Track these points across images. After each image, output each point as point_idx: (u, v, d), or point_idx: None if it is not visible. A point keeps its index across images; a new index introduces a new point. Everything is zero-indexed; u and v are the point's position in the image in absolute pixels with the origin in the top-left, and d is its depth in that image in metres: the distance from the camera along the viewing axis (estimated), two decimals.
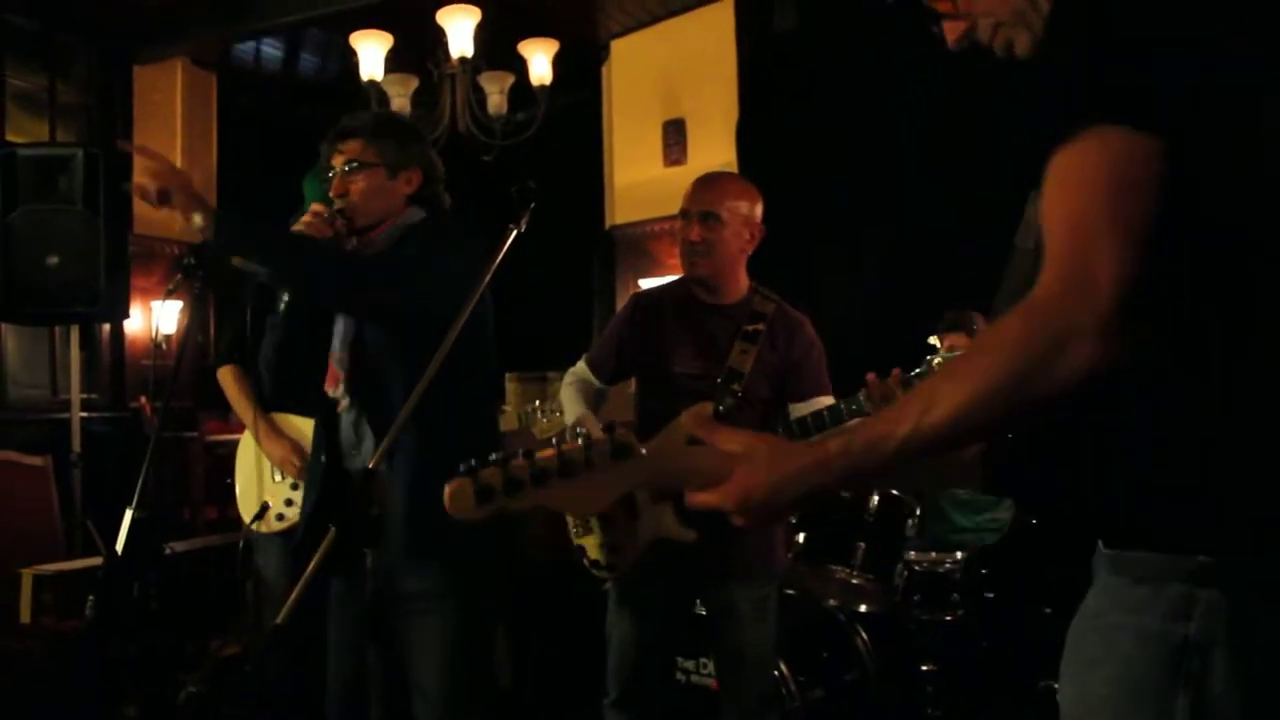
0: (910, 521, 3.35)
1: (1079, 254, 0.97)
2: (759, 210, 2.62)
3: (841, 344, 2.91)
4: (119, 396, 6.80)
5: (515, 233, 1.96)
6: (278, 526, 3.08)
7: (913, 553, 3.30)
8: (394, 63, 5.61)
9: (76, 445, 4.78)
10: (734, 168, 5.80)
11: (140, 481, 2.19)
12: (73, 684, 3.27)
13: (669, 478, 1.15)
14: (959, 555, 3.26)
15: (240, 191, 7.16)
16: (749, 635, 2.58)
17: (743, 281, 2.66)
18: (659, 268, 6.35)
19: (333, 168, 2.21)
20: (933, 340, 2.33)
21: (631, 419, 2.75)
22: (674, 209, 2.66)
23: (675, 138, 6.57)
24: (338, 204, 2.19)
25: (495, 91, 5.53)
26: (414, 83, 5.66)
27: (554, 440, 1.07)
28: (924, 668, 3.11)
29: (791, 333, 2.62)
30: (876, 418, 1.06)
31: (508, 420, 4.22)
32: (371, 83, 5.50)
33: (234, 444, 3.32)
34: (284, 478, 3.09)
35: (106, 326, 6.65)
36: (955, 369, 1.03)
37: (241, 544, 3.29)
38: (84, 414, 5.20)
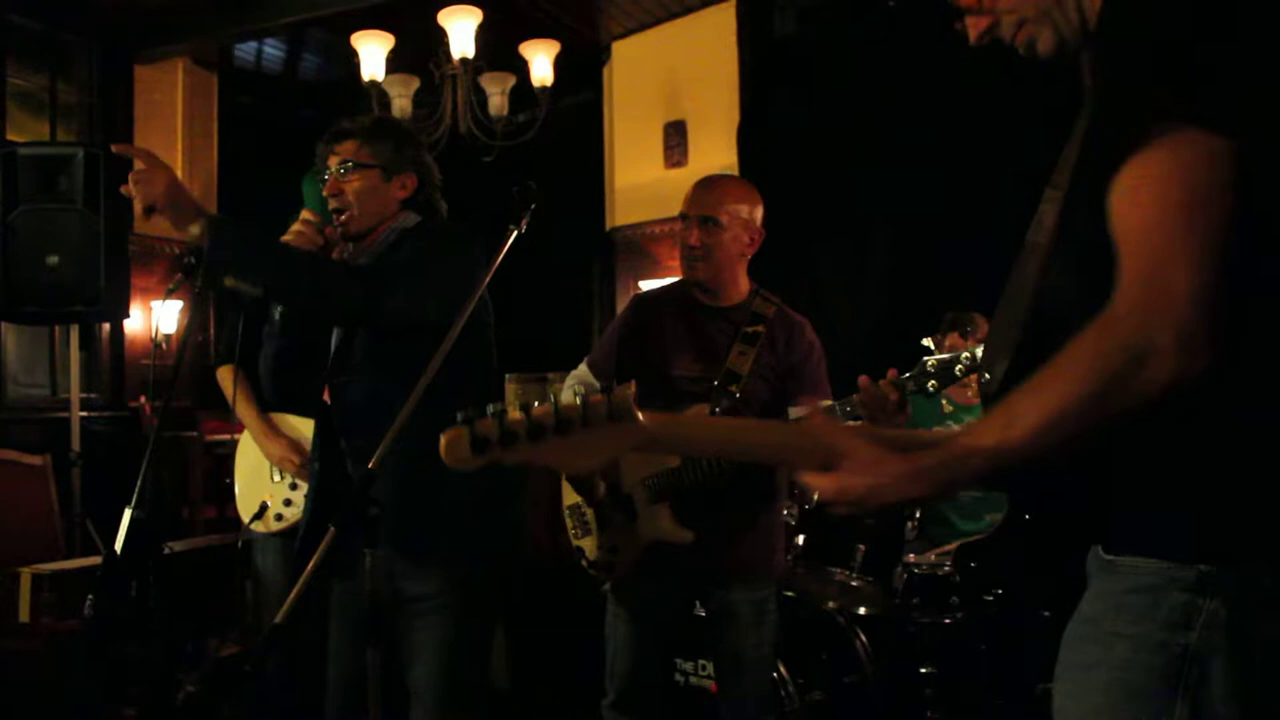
0: (910, 524, 3.35)
1: (1155, 265, 0.96)
2: (759, 213, 2.62)
3: (843, 346, 2.92)
4: (118, 396, 6.80)
5: (516, 234, 1.96)
6: (276, 526, 3.08)
7: (912, 555, 3.29)
8: (395, 63, 5.61)
9: (76, 444, 4.78)
10: (735, 170, 5.80)
11: (139, 481, 2.19)
12: (72, 683, 3.27)
13: (668, 445, 1.17)
14: (948, 549, 3.27)
15: (240, 191, 7.17)
16: (748, 637, 2.58)
17: (743, 284, 2.66)
18: (659, 269, 6.36)
19: (329, 168, 2.21)
20: (926, 342, 2.32)
21: None
22: (675, 211, 2.66)
23: (676, 139, 6.56)
24: (332, 203, 2.19)
25: (496, 92, 5.53)
26: (415, 83, 5.67)
27: (551, 397, 1.06)
28: (923, 670, 3.11)
29: (791, 335, 2.62)
30: (966, 430, 1.07)
31: None
32: (373, 83, 5.50)
33: (233, 444, 3.32)
34: (283, 477, 3.09)
35: (106, 326, 6.65)
36: (1038, 384, 1.01)
37: (240, 544, 3.29)
38: (83, 413, 5.20)
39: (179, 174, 2.03)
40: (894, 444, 1.12)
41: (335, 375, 2.20)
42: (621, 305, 3.45)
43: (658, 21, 6.65)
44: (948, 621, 3.14)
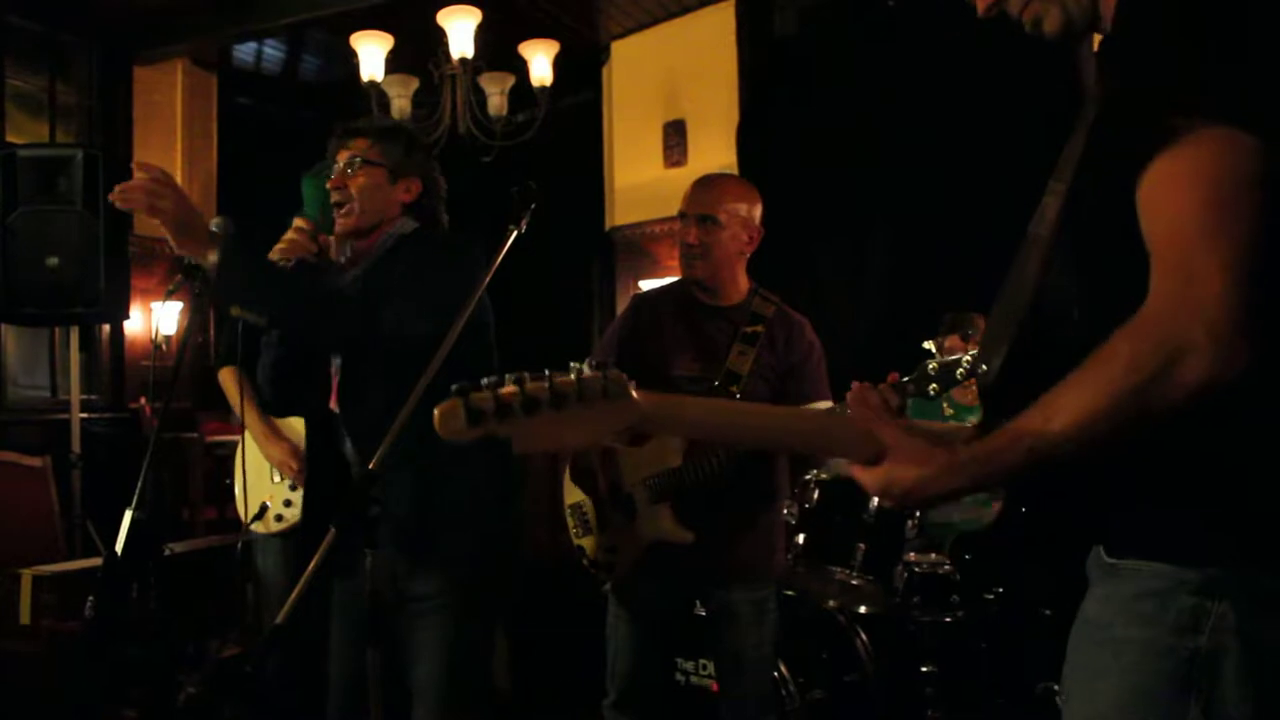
0: (910, 523, 3.35)
1: (1188, 262, 0.95)
2: (758, 212, 2.62)
3: (843, 346, 2.91)
4: (118, 397, 6.81)
5: (515, 234, 1.96)
6: (276, 527, 3.08)
7: (912, 554, 3.29)
8: (394, 63, 5.61)
9: (76, 446, 4.78)
10: (734, 169, 5.80)
11: (140, 482, 2.18)
12: (72, 685, 3.27)
13: (664, 425, 1.17)
14: (950, 539, 3.27)
15: (240, 192, 7.17)
16: (748, 637, 2.58)
17: (742, 283, 2.65)
18: (659, 269, 6.36)
19: (337, 162, 2.22)
20: (928, 345, 2.32)
21: None
22: (674, 210, 2.66)
23: (676, 139, 6.57)
24: (335, 196, 2.20)
25: (496, 92, 5.53)
26: (414, 84, 5.67)
27: (547, 372, 1.06)
28: (924, 669, 3.11)
29: (791, 335, 2.61)
30: (1008, 426, 1.06)
31: None
32: (372, 84, 5.50)
33: (233, 445, 3.32)
34: (283, 478, 3.09)
35: (106, 327, 6.65)
36: (1074, 381, 1.01)
37: (240, 544, 3.29)
38: (84, 415, 5.20)
39: (178, 176, 2.03)
40: (931, 438, 1.12)
41: (347, 383, 2.20)
42: (621, 305, 3.46)
43: (657, 21, 6.66)
44: (948, 620, 3.14)
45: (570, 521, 2.72)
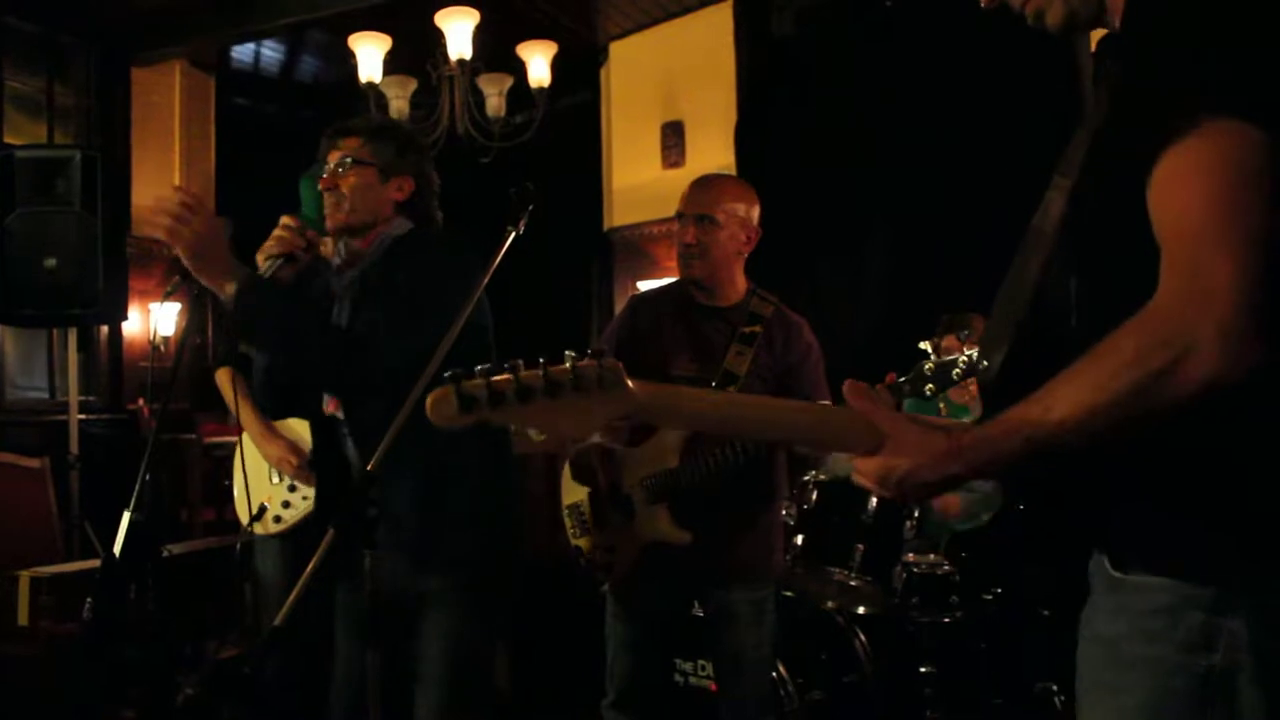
0: (908, 523, 3.35)
1: (1196, 257, 0.93)
2: (756, 212, 2.62)
3: (841, 346, 2.91)
4: (117, 398, 6.80)
5: (513, 235, 1.96)
6: (275, 528, 3.08)
7: (911, 555, 3.30)
8: (393, 64, 5.61)
9: (74, 447, 4.78)
10: (733, 170, 5.80)
11: (138, 483, 2.18)
12: (71, 686, 3.27)
13: (660, 416, 1.16)
14: (946, 538, 3.27)
15: (238, 193, 7.16)
16: (747, 637, 2.58)
17: (740, 283, 2.66)
18: (657, 269, 6.36)
19: (329, 163, 2.22)
20: (924, 345, 2.32)
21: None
22: (673, 211, 2.66)
23: (674, 140, 6.57)
24: (328, 198, 2.19)
25: (494, 93, 5.53)
26: (412, 84, 5.67)
27: (541, 359, 1.05)
28: (923, 669, 3.11)
29: (789, 335, 2.62)
30: (1009, 412, 1.04)
31: None
32: (370, 84, 5.51)
33: (232, 446, 3.32)
34: (282, 479, 3.09)
35: (104, 328, 6.65)
36: (1076, 372, 0.99)
37: (239, 546, 3.29)
38: (82, 416, 5.20)
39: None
40: (931, 426, 1.12)
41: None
42: (619, 305, 3.46)
43: (655, 22, 6.66)
44: (947, 621, 3.15)
45: (568, 522, 2.72)
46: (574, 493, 2.71)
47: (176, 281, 2.09)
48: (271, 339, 2.07)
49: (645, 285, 5.88)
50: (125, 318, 5.35)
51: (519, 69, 5.58)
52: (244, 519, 3.13)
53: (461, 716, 2.15)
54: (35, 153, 4.87)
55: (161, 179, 7.07)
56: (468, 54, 5.38)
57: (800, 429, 1.24)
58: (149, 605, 3.08)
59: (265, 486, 3.12)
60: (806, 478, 3.37)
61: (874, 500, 3.31)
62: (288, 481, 3.08)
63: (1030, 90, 4.41)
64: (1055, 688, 2.98)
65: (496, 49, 5.57)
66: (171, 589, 3.43)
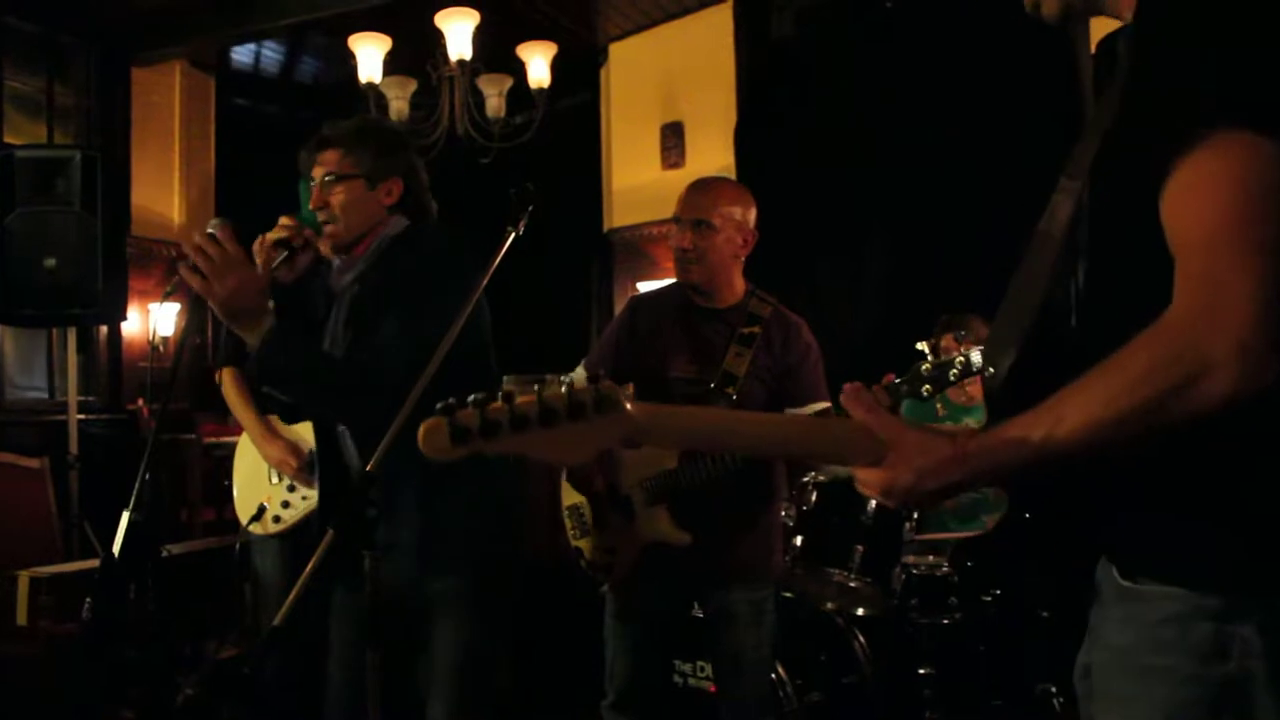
0: (908, 525, 3.35)
1: (1213, 272, 0.92)
2: (752, 215, 2.63)
3: (841, 347, 2.91)
4: (116, 398, 6.80)
5: (513, 235, 1.96)
6: (275, 528, 3.08)
7: (910, 556, 3.30)
8: (392, 65, 5.61)
9: (74, 447, 4.78)
10: (732, 171, 5.80)
11: (137, 483, 2.19)
12: (70, 686, 3.27)
13: (660, 438, 1.13)
14: (950, 547, 3.27)
15: (238, 194, 7.17)
16: (746, 638, 2.58)
17: (739, 285, 2.66)
18: (657, 270, 6.36)
19: (314, 178, 2.21)
20: (921, 346, 2.32)
21: None
22: (672, 212, 2.66)
23: (673, 141, 6.57)
24: (320, 216, 2.18)
25: (494, 94, 5.53)
26: (412, 85, 5.67)
27: (536, 387, 1.03)
28: (922, 671, 3.11)
29: (787, 335, 2.62)
30: (1016, 422, 1.03)
31: None
32: (370, 85, 5.51)
33: (231, 446, 3.32)
34: (281, 479, 3.10)
35: (104, 328, 6.64)
36: (1088, 385, 0.98)
37: (239, 546, 3.29)
38: (81, 416, 5.20)
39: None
40: (934, 432, 1.09)
41: None
42: (619, 306, 3.46)
43: (655, 23, 6.66)
44: (946, 622, 3.14)
45: (568, 523, 2.72)
46: (574, 494, 2.71)
47: (176, 281, 2.10)
48: (291, 387, 2.10)
49: (645, 286, 5.88)
50: (125, 318, 5.36)
51: (519, 70, 5.58)
52: (244, 519, 3.13)
53: (471, 717, 2.15)
54: (35, 153, 4.88)
55: (161, 179, 7.08)
56: (468, 55, 5.39)
57: (801, 444, 1.22)
58: (149, 605, 3.08)
59: (265, 487, 3.12)
60: (806, 479, 3.37)
61: (873, 502, 3.31)
62: (287, 481, 3.08)
63: (1030, 90, 4.42)
64: (1054, 689, 2.98)
65: (496, 50, 5.57)
66: (171, 589, 3.44)
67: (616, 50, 6.97)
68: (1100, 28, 1.18)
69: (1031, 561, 3.23)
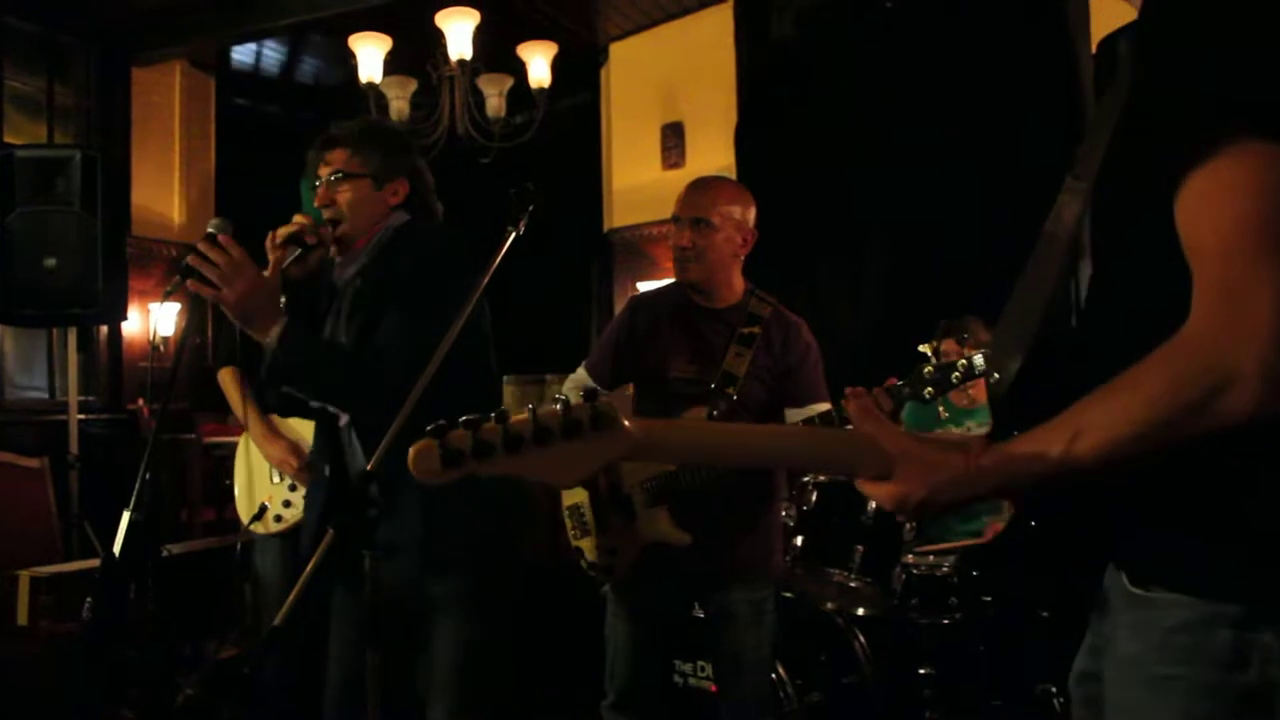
0: (908, 525, 3.35)
1: (1232, 283, 0.90)
2: (752, 214, 2.62)
3: (841, 348, 2.91)
4: (116, 398, 6.80)
5: (514, 235, 1.96)
6: (276, 528, 3.08)
7: (910, 556, 3.30)
8: (393, 65, 5.61)
9: (74, 447, 4.78)
10: (732, 171, 5.81)
11: (138, 483, 2.18)
12: (70, 686, 3.27)
13: (660, 453, 1.11)
14: (953, 558, 3.27)
15: (238, 195, 7.17)
16: (747, 638, 2.58)
17: (738, 285, 2.65)
18: (657, 271, 6.36)
19: (319, 177, 2.21)
20: (923, 349, 2.32)
21: None
22: (671, 212, 2.66)
23: (674, 141, 6.58)
24: (325, 214, 2.19)
25: (494, 94, 5.53)
26: (413, 85, 5.67)
27: (530, 406, 0.99)
28: (922, 671, 3.11)
29: (787, 336, 2.61)
30: (1031, 436, 1.00)
31: None
32: (370, 85, 5.51)
33: (231, 446, 3.32)
34: (282, 478, 3.10)
35: (104, 328, 6.65)
36: (1107, 399, 0.96)
37: (240, 545, 3.29)
38: (81, 416, 5.20)
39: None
40: (942, 444, 1.07)
41: None
42: (619, 306, 3.46)
43: (655, 23, 6.66)
44: (946, 622, 3.14)
45: (569, 523, 2.72)
46: (575, 494, 2.71)
47: (176, 282, 2.09)
48: (305, 384, 2.11)
49: (645, 286, 5.88)
50: (125, 318, 5.36)
51: (519, 69, 5.58)
52: (245, 518, 3.13)
53: (473, 717, 2.15)
54: (35, 153, 4.88)
55: (161, 179, 7.08)
56: (468, 54, 5.39)
57: (804, 457, 1.20)
58: (148, 605, 3.09)
59: (266, 486, 3.12)
60: (806, 479, 3.37)
61: (873, 502, 3.31)
62: (288, 481, 3.08)
63: (1030, 90, 4.42)
64: (1055, 689, 2.98)
65: (497, 49, 5.57)
66: (171, 589, 3.44)
67: (617, 50, 6.97)
68: (1100, 28, 1.17)
69: (1036, 568, 3.24)
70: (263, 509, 3.09)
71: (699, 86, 6.44)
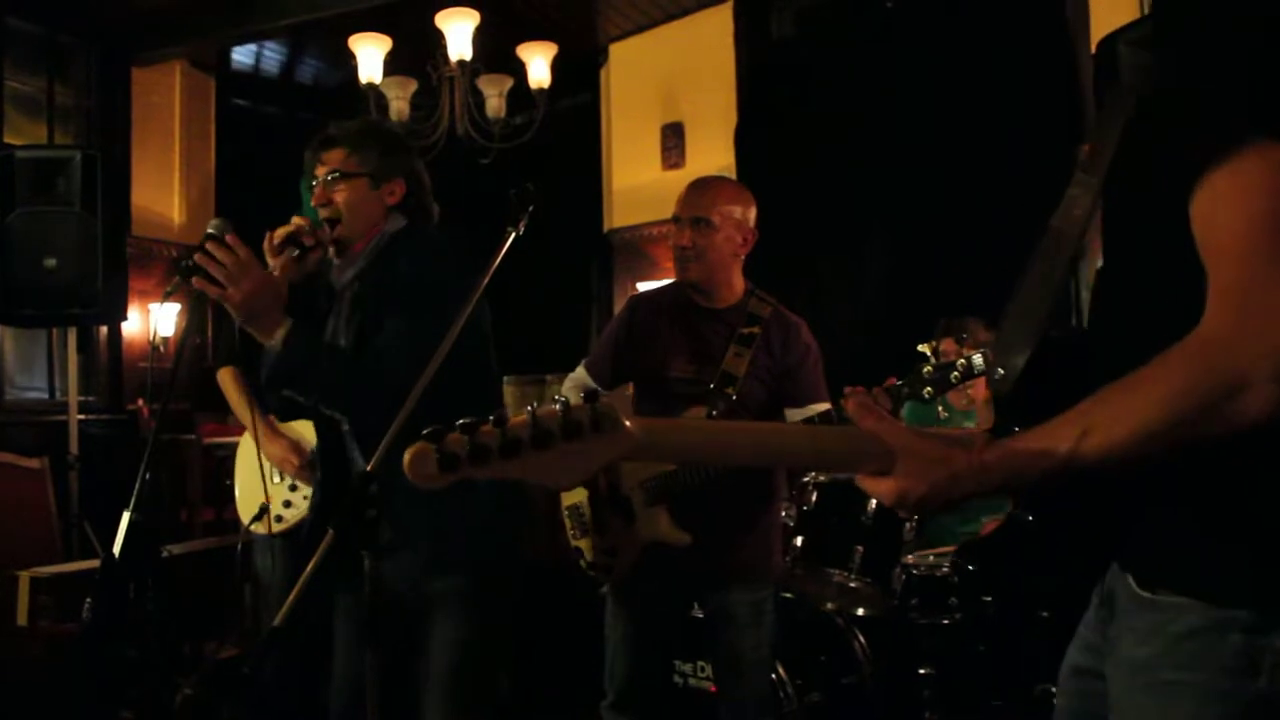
0: (908, 525, 3.35)
1: (1247, 284, 0.89)
2: (752, 214, 2.63)
3: (841, 349, 2.91)
4: (116, 398, 6.80)
5: (513, 235, 1.96)
6: (276, 528, 3.08)
7: (910, 557, 3.30)
8: (393, 65, 5.61)
9: (74, 447, 4.78)
10: (732, 172, 5.81)
11: (137, 483, 2.18)
12: (69, 687, 3.27)
13: (661, 453, 1.09)
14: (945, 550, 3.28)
15: (238, 195, 7.17)
16: (746, 639, 2.58)
17: (738, 285, 2.65)
18: (657, 271, 6.36)
19: (316, 177, 2.21)
20: (923, 348, 2.32)
21: None
22: (671, 213, 2.66)
23: (674, 141, 6.58)
24: (322, 213, 2.19)
25: (494, 94, 5.53)
26: (413, 85, 5.67)
27: (529, 407, 0.97)
28: (922, 671, 3.11)
29: (787, 336, 2.62)
30: (1038, 432, 0.99)
31: None
32: (370, 85, 5.51)
33: (231, 446, 3.32)
34: (283, 478, 3.10)
35: (104, 328, 6.64)
36: (1117, 398, 0.95)
37: (240, 546, 3.29)
38: (81, 416, 5.20)
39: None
40: (944, 440, 1.06)
41: None
42: (619, 306, 3.46)
43: (655, 23, 6.66)
44: (946, 623, 3.14)
45: (568, 523, 2.73)
46: (574, 494, 2.71)
47: (176, 282, 2.09)
48: (306, 386, 2.09)
49: (645, 286, 5.88)
50: (125, 318, 5.36)
51: (519, 70, 5.58)
52: (245, 518, 3.13)
53: (470, 717, 2.15)
54: (35, 153, 4.88)
55: (161, 179, 7.08)
56: (468, 55, 5.39)
57: (805, 454, 1.19)
58: (148, 605, 3.08)
59: (267, 486, 3.12)
60: (806, 479, 3.37)
61: (873, 502, 3.31)
62: (289, 481, 3.08)
63: (1030, 90, 4.42)
64: (1054, 689, 2.98)
65: (496, 50, 5.57)
66: (171, 589, 3.43)
67: (616, 50, 6.97)
68: (1100, 28, 1.17)
69: (1034, 564, 3.23)
70: (263, 509, 3.09)
71: (699, 86, 6.44)
